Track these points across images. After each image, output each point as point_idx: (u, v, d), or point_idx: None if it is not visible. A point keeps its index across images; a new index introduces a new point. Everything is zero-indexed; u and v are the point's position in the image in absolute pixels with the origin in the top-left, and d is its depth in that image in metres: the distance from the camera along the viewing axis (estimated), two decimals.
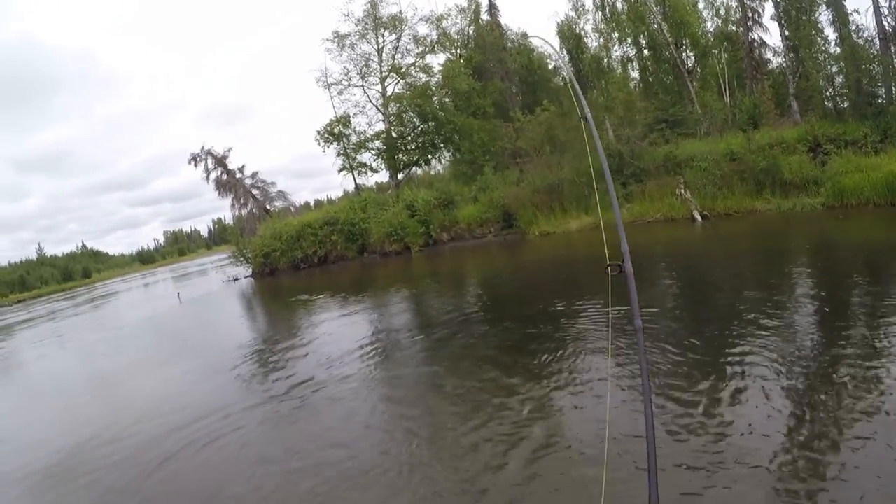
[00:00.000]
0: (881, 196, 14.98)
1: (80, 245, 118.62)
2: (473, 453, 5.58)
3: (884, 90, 20.83)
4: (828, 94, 22.20)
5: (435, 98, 32.06)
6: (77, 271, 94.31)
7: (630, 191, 21.42)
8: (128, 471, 6.72)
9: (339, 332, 12.62)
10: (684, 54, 30.13)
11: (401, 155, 33.32)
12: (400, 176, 34.12)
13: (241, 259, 32.89)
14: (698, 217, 18.21)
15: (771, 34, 27.76)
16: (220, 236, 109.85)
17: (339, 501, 5.22)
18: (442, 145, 33.22)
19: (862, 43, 21.12)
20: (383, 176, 36.09)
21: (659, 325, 8.39)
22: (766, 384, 5.69)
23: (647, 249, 15.97)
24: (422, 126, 32.74)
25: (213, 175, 37.48)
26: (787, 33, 25.69)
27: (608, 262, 2.88)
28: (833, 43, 23.69)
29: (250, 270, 31.82)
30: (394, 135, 32.91)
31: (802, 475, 4.20)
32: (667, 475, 4.41)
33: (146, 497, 5.96)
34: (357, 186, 35.52)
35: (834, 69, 22.26)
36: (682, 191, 19.43)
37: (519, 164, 27.26)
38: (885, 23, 25.29)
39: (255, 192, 38.10)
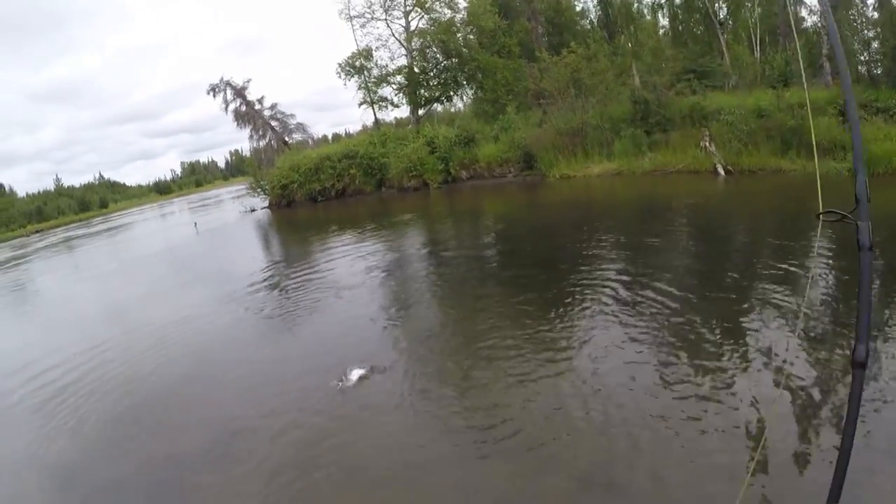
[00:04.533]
0: None
1: (96, 176, 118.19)
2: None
3: None
4: (862, 58, 21.80)
5: (459, 34, 31.68)
6: (94, 201, 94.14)
7: (654, 140, 21.40)
8: (132, 396, 7.27)
9: (352, 261, 13.05)
10: (717, 4, 29.55)
11: (422, 90, 33.10)
12: (420, 112, 33.99)
13: (259, 190, 33.21)
14: (721, 171, 18.22)
15: None
16: (237, 167, 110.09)
17: None
18: (465, 82, 32.93)
19: None
20: (403, 112, 36.01)
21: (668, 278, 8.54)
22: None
23: (668, 200, 16.13)
24: (445, 62, 32.40)
25: (231, 106, 37.52)
26: None
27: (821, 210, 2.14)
28: (871, 7, 23.19)
29: (267, 202, 32.23)
30: (416, 70, 32.62)
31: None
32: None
33: (156, 419, 6.50)
34: (377, 121, 35.43)
35: (870, 34, 21.82)
36: (707, 143, 19.40)
37: (542, 106, 27.08)
38: None
39: (273, 123, 38.04)
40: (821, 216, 2.20)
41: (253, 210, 31.84)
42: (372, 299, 9.80)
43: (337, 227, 19.46)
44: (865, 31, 22.00)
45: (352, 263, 12.86)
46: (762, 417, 4.55)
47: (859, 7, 22.93)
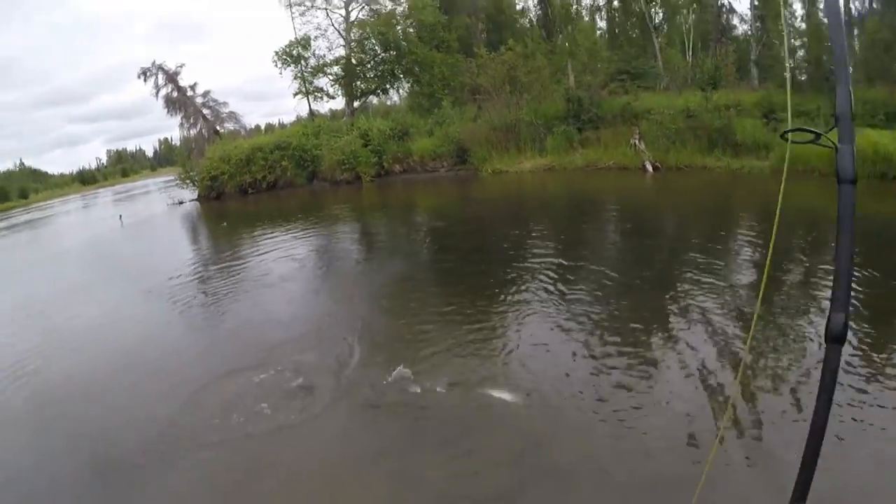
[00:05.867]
0: (827, 166, 15.10)
1: (17, 163, 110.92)
2: None
3: None
4: (788, 65, 22.48)
5: (399, 27, 31.21)
6: (13, 191, 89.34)
7: (585, 136, 21.59)
8: (47, 397, 6.77)
9: (281, 255, 12.81)
10: (653, 10, 30.04)
11: (359, 82, 32.54)
12: (356, 104, 33.37)
13: (188, 182, 31.66)
14: (650, 168, 18.47)
15: (740, 1, 28.00)
16: (165, 157, 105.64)
17: None
18: (402, 76, 32.41)
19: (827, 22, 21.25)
20: (338, 103, 35.29)
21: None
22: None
23: (598, 195, 16.31)
24: (383, 55, 31.82)
25: (162, 92, 35.60)
26: (756, 2, 25.93)
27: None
28: (799, 18, 24.04)
29: (196, 194, 30.81)
30: (353, 61, 31.98)
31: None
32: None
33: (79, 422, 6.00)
34: (311, 112, 34.63)
35: (797, 43, 22.56)
36: (637, 141, 19.65)
37: (478, 102, 26.89)
38: (851, 6, 25.69)
39: (205, 111, 36.54)
40: (788, 135, 1.64)
41: (181, 202, 30.48)
42: (301, 294, 9.74)
43: (267, 221, 18.91)
44: (792, 40, 22.75)
45: (281, 257, 12.57)
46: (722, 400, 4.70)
47: (787, 19, 23.74)
